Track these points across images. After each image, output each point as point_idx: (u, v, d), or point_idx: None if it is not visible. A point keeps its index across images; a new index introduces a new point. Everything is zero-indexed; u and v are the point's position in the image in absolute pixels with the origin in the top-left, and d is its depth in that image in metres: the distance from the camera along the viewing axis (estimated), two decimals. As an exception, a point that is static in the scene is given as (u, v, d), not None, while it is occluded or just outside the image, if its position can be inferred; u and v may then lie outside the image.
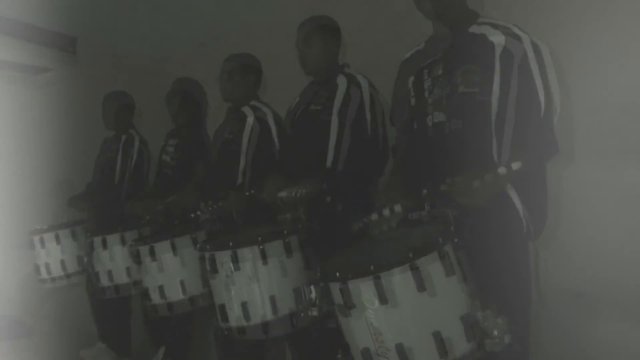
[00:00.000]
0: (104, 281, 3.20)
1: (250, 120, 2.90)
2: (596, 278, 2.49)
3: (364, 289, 1.48)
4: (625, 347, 2.32)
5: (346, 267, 1.61)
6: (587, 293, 2.50)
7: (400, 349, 1.45)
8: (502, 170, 1.56)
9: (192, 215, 2.82)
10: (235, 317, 2.07)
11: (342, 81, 2.54)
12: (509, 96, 1.79)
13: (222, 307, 2.10)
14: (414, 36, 2.17)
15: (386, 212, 1.77)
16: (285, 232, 2.13)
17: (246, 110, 2.97)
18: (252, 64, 3.10)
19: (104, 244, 3.18)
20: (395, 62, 2.23)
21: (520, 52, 1.80)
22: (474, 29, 1.91)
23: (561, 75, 1.87)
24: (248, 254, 2.07)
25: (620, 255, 2.48)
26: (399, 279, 1.47)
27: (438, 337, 1.45)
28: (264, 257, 2.06)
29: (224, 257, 2.09)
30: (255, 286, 2.06)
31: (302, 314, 2.01)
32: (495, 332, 1.49)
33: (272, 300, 2.04)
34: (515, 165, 1.56)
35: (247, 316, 2.04)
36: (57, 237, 3.57)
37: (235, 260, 2.06)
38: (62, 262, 3.55)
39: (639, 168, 2.48)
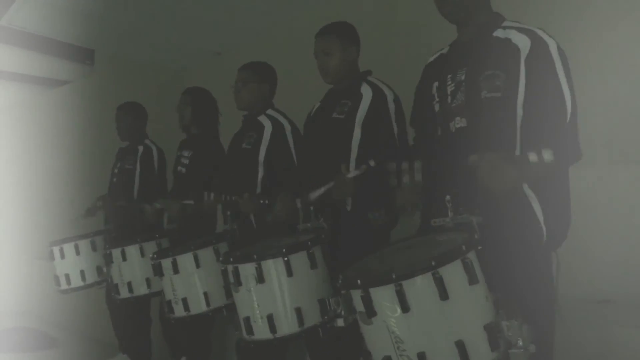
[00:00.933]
0: (124, 292, 3.22)
1: (268, 130, 2.90)
2: (622, 284, 2.45)
3: (385, 297, 1.47)
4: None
5: (368, 274, 1.61)
6: (612, 299, 2.46)
7: (422, 358, 1.43)
8: (532, 157, 1.54)
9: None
10: (260, 329, 2.05)
11: (366, 91, 2.50)
12: (534, 101, 1.76)
13: (247, 319, 2.08)
14: (434, 40, 2.15)
15: None
16: (309, 242, 2.11)
17: (263, 120, 2.96)
18: (266, 72, 3.08)
19: (123, 256, 3.22)
20: (413, 66, 2.22)
21: (547, 57, 1.76)
22: (499, 33, 1.87)
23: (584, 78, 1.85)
24: (272, 266, 2.05)
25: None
26: (421, 287, 1.46)
27: (461, 346, 1.42)
28: (288, 268, 2.04)
29: (248, 270, 2.06)
30: (280, 298, 2.04)
31: (329, 325, 2.00)
32: (520, 342, 1.47)
33: (298, 312, 2.02)
34: (547, 155, 1.52)
35: (273, 329, 2.02)
36: (76, 248, 3.61)
37: (259, 272, 2.03)
38: (82, 273, 3.58)
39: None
